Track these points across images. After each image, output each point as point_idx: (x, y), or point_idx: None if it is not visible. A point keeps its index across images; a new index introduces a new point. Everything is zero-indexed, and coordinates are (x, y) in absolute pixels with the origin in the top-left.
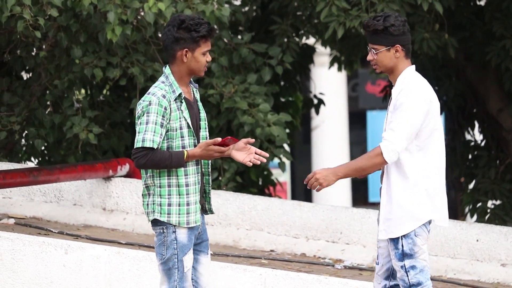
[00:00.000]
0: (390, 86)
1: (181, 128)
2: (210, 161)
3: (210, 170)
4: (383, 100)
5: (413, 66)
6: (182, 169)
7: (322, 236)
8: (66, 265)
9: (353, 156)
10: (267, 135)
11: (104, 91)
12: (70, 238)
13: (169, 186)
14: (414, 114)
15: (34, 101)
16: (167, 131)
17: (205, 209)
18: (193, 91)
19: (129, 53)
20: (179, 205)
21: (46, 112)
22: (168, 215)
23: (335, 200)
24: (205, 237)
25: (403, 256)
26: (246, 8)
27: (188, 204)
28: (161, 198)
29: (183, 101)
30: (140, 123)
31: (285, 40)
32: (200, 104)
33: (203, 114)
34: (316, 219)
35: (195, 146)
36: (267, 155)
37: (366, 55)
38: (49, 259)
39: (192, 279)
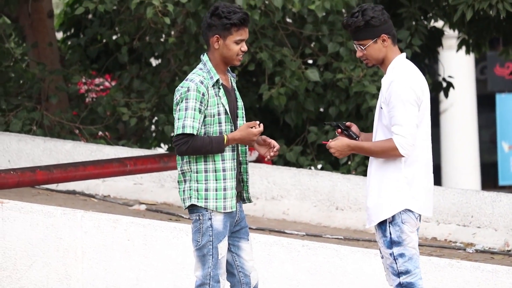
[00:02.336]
0: None
1: (218, 114)
2: (247, 150)
3: (247, 159)
4: None
5: (404, 54)
6: (219, 154)
7: (453, 220)
8: None
9: (481, 139)
10: None
11: None
12: None
13: (206, 171)
14: (411, 104)
15: (163, 88)
16: (204, 117)
17: (243, 198)
18: (230, 79)
19: (257, 38)
20: (216, 190)
21: None
22: (206, 200)
23: (464, 183)
24: (243, 224)
25: (391, 243)
26: None
27: (225, 189)
28: (198, 183)
29: (220, 87)
30: (179, 109)
31: (413, 23)
32: (237, 93)
33: (240, 103)
34: (447, 202)
35: (232, 132)
36: (278, 147)
37: (495, 38)
38: (180, 244)
39: (237, 266)
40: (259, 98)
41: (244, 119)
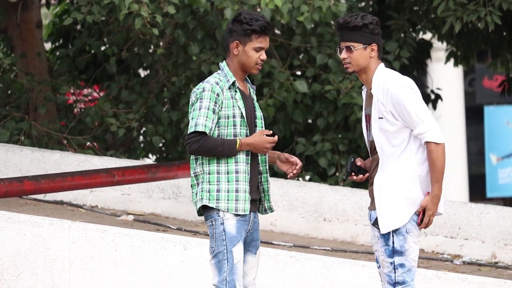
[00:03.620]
0: (508, 80)
1: (233, 117)
2: (267, 159)
3: (267, 168)
4: (501, 95)
5: (382, 64)
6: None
7: (440, 232)
8: (185, 261)
9: (469, 151)
10: None
11: None
12: (189, 234)
13: (218, 173)
14: (416, 99)
15: (151, 98)
16: (219, 119)
17: (265, 208)
18: (249, 89)
19: None
20: (228, 191)
21: (164, 109)
22: (217, 201)
23: (452, 195)
24: (256, 236)
25: (393, 252)
26: (363, 4)
27: (237, 191)
28: (209, 185)
29: (237, 90)
30: (194, 109)
31: (402, 35)
32: (256, 103)
33: (259, 113)
34: None
35: (247, 136)
36: (301, 164)
37: (484, 50)
38: (168, 255)
39: None
40: None
41: (264, 128)
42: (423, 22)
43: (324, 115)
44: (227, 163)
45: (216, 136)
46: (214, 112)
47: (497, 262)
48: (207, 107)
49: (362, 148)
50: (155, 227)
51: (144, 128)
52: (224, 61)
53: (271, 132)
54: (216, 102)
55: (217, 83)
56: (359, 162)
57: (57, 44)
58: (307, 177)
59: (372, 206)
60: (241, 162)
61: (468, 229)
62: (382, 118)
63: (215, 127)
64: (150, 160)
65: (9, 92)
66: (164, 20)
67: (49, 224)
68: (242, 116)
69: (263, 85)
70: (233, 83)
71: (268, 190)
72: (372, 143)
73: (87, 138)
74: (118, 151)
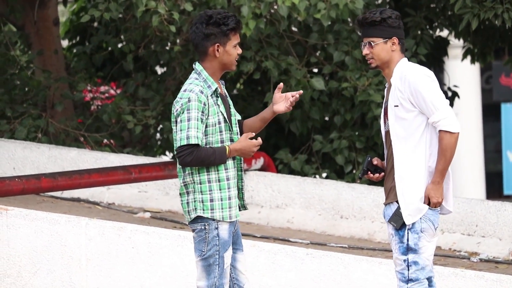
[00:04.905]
0: None
1: (219, 123)
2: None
3: (242, 166)
4: None
5: (406, 59)
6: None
7: (457, 229)
8: None
9: (486, 149)
10: None
11: (238, 85)
12: None
13: (209, 181)
14: (434, 87)
15: (168, 96)
16: (206, 127)
17: (238, 206)
18: (223, 87)
19: (262, 47)
20: (221, 200)
21: None
22: (212, 211)
23: (469, 192)
24: (239, 232)
25: (408, 250)
26: (380, 1)
27: (229, 198)
28: (202, 194)
29: (218, 95)
30: (181, 120)
31: (419, 32)
32: (229, 99)
33: (233, 110)
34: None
35: (231, 140)
36: (301, 92)
37: (501, 47)
38: (185, 252)
39: (232, 278)
40: (264, 107)
41: (237, 125)
42: (440, 19)
43: (341, 112)
44: (217, 170)
45: (204, 145)
46: (202, 121)
47: None
48: (196, 118)
49: (379, 146)
50: (172, 224)
51: (161, 125)
52: (198, 62)
53: (254, 134)
54: (203, 112)
55: (202, 92)
56: (375, 161)
57: (74, 41)
58: (324, 175)
59: (387, 201)
60: (230, 168)
61: (485, 226)
62: (397, 106)
63: (203, 137)
64: (167, 157)
65: (26, 89)
66: (181, 17)
67: (66, 222)
68: (225, 121)
69: (280, 82)
70: (215, 90)
71: (242, 188)
72: (387, 133)
73: (104, 135)
74: (135, 148)
